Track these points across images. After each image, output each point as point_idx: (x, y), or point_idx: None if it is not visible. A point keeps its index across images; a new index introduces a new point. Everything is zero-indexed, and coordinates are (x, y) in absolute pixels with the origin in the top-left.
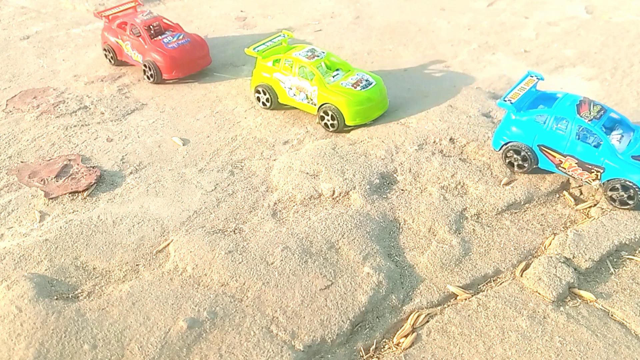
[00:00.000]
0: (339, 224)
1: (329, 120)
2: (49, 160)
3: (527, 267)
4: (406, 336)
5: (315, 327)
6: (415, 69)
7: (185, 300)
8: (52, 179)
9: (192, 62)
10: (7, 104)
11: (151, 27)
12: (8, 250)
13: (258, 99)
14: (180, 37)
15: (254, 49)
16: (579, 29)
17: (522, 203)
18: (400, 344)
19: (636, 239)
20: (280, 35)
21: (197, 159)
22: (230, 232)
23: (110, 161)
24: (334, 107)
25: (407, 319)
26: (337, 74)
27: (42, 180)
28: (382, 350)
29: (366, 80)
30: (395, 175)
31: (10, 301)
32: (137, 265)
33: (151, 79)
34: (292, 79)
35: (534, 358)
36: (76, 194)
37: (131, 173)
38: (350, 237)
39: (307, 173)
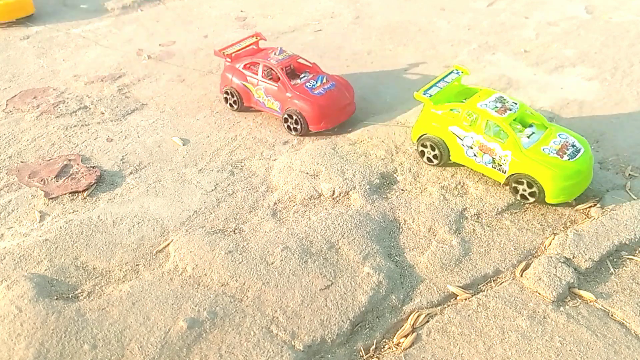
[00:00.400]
0: (339, 224)
1: (525, 190)
2: (49, 160)
3: (527, 267)
4: (406, 336)
5: (315, 327)
6: (415, 69)
7: (185, 300)
8: (52, 179)
9: (341, 110)
10: (7, 104)
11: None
12: (8, 250)
13: (422, 153)
14: (324, 80)
15: (424, 92)
16: (579, 29)
17: (522, 203)
18: (400, 344)
19: (636, 239)
20: (453, 72)
21: (197, 159)
22: (230, 232)
23: (110, 161)
24: (533, 179)
25: (407, 319)
26: (533, 133)
27: (42, 180)
28: (382, 350)
29: (572, 146)
30: (395, 175)
31: (10, 301)
32: (137, 265)
33: (296, 131)
34: (476, 136)
35: (534, 358)
36: (76, 194)
37: (131, 173)
38: (350, 237)
39: (307, 173)
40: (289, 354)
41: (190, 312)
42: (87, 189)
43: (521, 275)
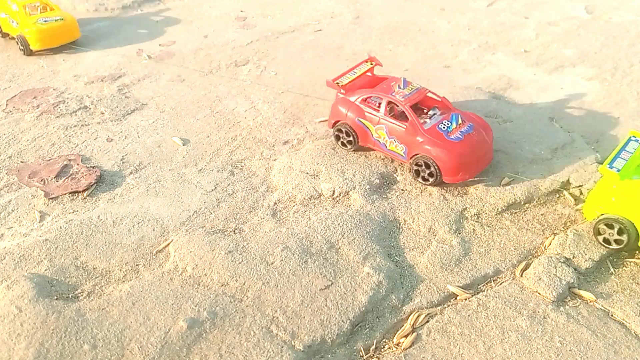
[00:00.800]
0: (339, 224)
1: None
2: (49, 160)
3: (527, 267)
4: (406, 336)
5: (315, 327)
6: (415, 69)
7: (185, 300)
8: (52, 179)
9: (480, 159)
10: (7, 104)
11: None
12: (8, 250)
13: (606, 241)
14: (460, 120)
15: (610, 165)
16: (579, 29)
17: (522, 203)
18: (400, 344)
19: None
20: (631, 139)
21: (197, 159)
22: (230, 232)
23: (110, 161)
24: None
25: (407, 319)
26: None
27: (42, 180)
28: (382, 350)
29: None
30: (395, 175)
31: (10, 301)
32: (137, 265)
33: (432, 177)
34: None
35: (534, 358)
36: (76, 194)
37: (131, 173)
38: (350, 237)
39: (307, 173)
40: (289, 354)
41: (190, 312)
42: (87, 189)
43: (521, 275)
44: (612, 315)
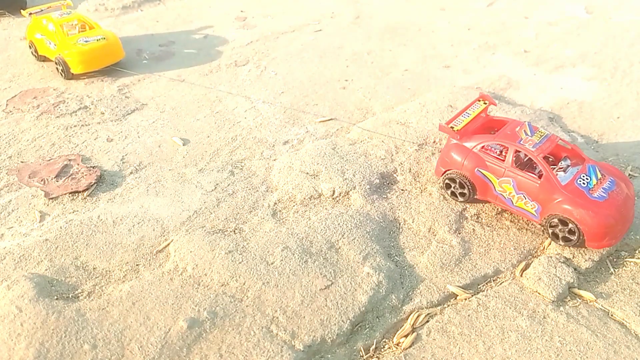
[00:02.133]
0: (339, 224)
1: None
2: (49, 160)
3: (527, 267)
4: (406, 336)
5: (315, 327)
6: (415, 69)
7: (185, 300)
8: (52, 179)
9: (628, 221)
10: (7, 104)
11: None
12: (8, 250)
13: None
14: (599, 175)
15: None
16: (579, 29)
17: None
18: (400, 344)
19: (636, 239)
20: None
21: (197, 159)
22: (230, 232)
23: (110, 161)
24: None
25: (407, 319)
26: None
27: (42, 180)
28: (382, 350)
29: None
30: (395, 175)
31: (11, 301)
32: (137, 265)
33: (570, 240)
34: None
35: (534, 358)
36: (76, 194)
37: (131, 173)
38: (350, 237)
39: (307, 173)
40: (289, 354)
41: (190, 312)
42: (87, 189)
43: (521, 275)
44: (612, 315)
